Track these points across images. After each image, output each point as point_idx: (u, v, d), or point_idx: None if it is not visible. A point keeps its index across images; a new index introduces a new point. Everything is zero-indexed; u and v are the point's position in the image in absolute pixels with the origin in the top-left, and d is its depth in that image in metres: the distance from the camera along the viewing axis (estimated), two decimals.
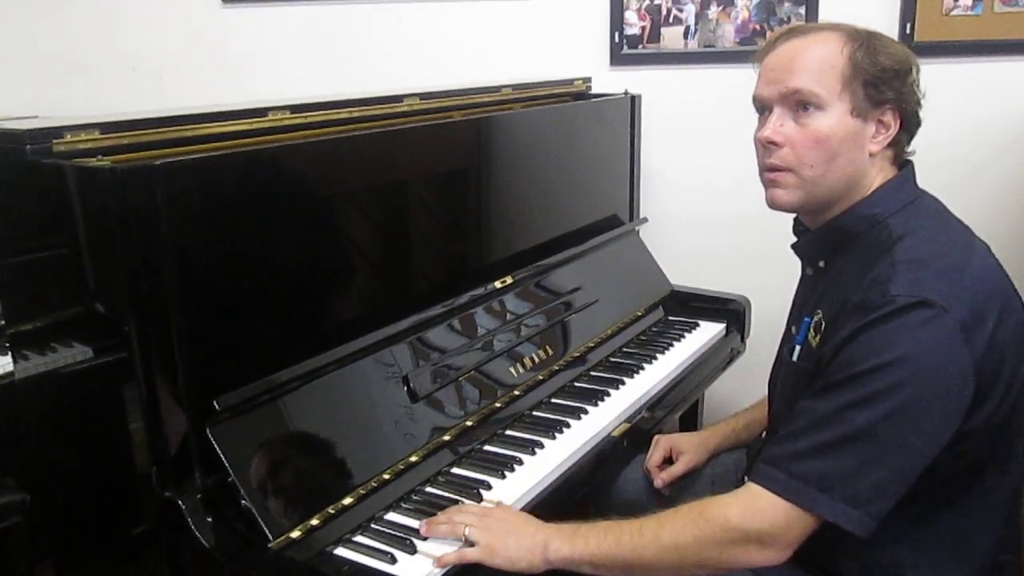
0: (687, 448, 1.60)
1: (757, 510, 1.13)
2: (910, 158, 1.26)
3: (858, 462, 1.09)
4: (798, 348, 1.28)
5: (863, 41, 1.17)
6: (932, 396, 1.08)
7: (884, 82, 1.16)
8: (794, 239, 1.37)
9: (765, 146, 1.21)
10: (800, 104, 1.18)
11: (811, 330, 1.25)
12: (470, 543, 1.23)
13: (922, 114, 1.24)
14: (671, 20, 2.41)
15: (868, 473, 1.09)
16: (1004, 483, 1.22)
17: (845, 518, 1.09)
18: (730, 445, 1.63)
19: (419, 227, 1.67)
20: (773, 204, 1.24)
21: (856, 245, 1.22)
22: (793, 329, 1.34)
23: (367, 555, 1.23)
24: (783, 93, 1.19)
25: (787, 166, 1.20)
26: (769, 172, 1.22)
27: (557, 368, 1.79)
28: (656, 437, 1.65)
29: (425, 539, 1.25)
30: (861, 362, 1.09)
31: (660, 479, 1.58)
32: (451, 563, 1.20)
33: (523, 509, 1.36)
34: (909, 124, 1.20)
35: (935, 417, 1.09)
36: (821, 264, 1.29)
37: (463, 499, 1.36)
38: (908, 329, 1.07)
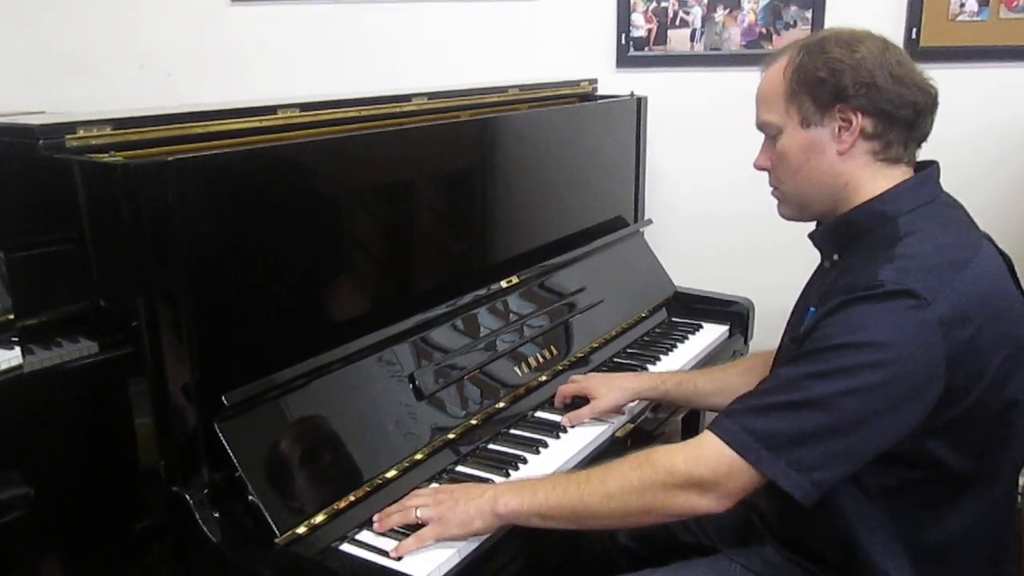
0: (598, 392, 1.62)
1: (702, 456, 1.16)
2: (933, 159, 1.27)
3: (809, 428, 1.10)
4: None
5: (803, 54, 1.23)
6: (899, 383, 1.09)
7: (824, 86, 1.20)
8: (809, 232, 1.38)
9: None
10: (768, 132, 1.29)
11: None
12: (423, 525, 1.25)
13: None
14: (677, 23, 2.41)
15: (818, 441, 1.10)
16: (993, 493, 1.23)
17: (786, 479, 1.11)
18: (652, 396, 1.66)
19: (425, 226, 1.67)
20: (781, 216, 1.35)
21: (866, 240, 1.23)
22: (796, 318, 1.36)
23: (372, 552, 1.24)
24: (758, 128, 1.31)
25: (774, 185, 1.32)
26: (772, 190, 1.34)
27: (561, 368, 1.79)
28: (572, 376, 1.69)
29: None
30: (834, 337, 1.11)
31: (566, 418, 1.60)
32: (411, 548, 1.23)
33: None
34: (885, 116, 1.20)
35: (898, 403, 1.10)
36: (835, 257, 1.31)
37: None
38: (887, 313, 1.09)
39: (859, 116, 1.20)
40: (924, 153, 1.29)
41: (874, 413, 1.09)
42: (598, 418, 1.62)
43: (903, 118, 1.21)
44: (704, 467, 1.15)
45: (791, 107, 1.24)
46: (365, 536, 1.28)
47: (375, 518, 1.30)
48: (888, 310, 1.09)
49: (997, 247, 1.26)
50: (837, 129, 1.21)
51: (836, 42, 1.22)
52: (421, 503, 1.28)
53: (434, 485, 1.40)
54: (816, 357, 1.12)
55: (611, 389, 1.63)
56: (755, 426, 1.13)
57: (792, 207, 1.31)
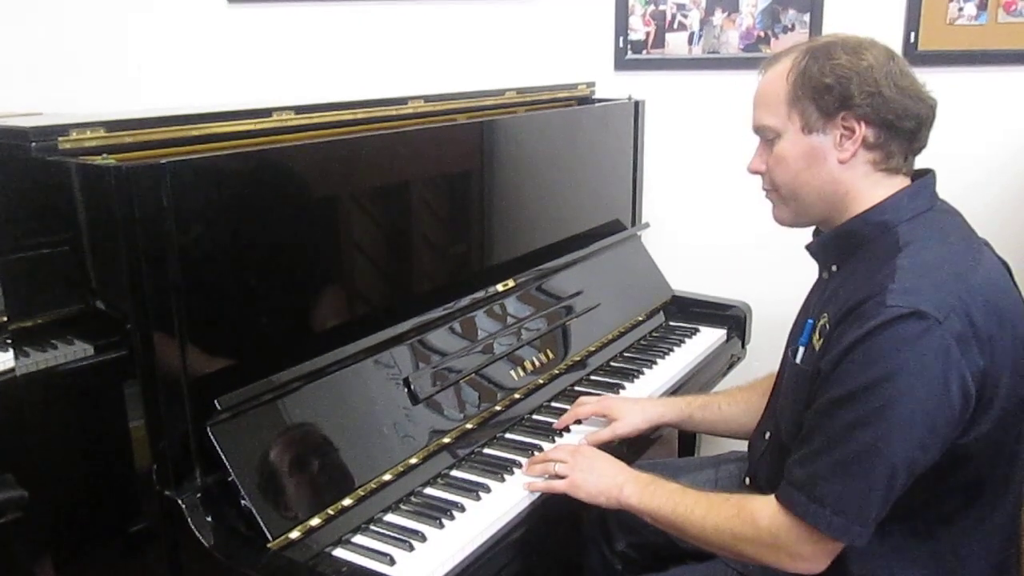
0: (620, 414, 1.59)
1: (782, 526, 1.17)
2: (929, 167, 1.27)
3: (868, 483, 1.11)
4: (801, 350, 1.29)
5: (808, 59, 1.21)
6: (931, 407, 1.08)
7: (829, 93, 1.19)
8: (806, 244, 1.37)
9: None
10: (764, 136, 1.28)
11: (815, 332, 1.26)
12: (559, 477, 1.38)
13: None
14: (676, 26, 2.41)
15: (879, 491, 1.11)
16: (1003, 505, 1.22)
17: (859, 539, 1.13)
18: (677, 420, 1.63)
19: (422, 229, 1.67)
20: (776, 221, 1.34)
21: (865, 251, 1.22)
22: (796, 330, 1.35)
23: (366, 556, 1.23)
24: (754, 131, 1.30)
25: (770, 188, 1.31)
26: (766, 193, 1.33)
27: (557, 372, 1.79)
28: (581, 398, 1.68)
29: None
30: (859, 376, 1.10)
31: (586, 439, 1.57)
32: (540, 490, 1.39)
33: (520, 515, 1.37)
34: (888, 127, 1.19)
35: (937, 427, 1.09)
36: (834, 268, 1.30)
37: (462, 500, 1.37)
38: (902, 341, 1.08)
39: (862, 125, 1.19)
40: (922, 156, 1.28)
41: (919, 447, 1.10)
42: (600, 431, 1.60)
43: (906, 129, 1.20)
44: (786, 537, 1.17)
45: (793, 112, 1.22)
46: (360, 540, 1.27)
47: (526, 462, 1.47)
48: (901, 336, 1.08)
49: (996, 254, 1.26)
50: (839, 137, 1.21)
51: (843, 48, 1.20)
52: (562, 457, 1.41)
53: (567, 443, 1.55)
54: (849, 403, 1.11)
55: (633, 412, 1.60)
56: (821, 494, 1.13)
57: (788, 212, 1.30)
